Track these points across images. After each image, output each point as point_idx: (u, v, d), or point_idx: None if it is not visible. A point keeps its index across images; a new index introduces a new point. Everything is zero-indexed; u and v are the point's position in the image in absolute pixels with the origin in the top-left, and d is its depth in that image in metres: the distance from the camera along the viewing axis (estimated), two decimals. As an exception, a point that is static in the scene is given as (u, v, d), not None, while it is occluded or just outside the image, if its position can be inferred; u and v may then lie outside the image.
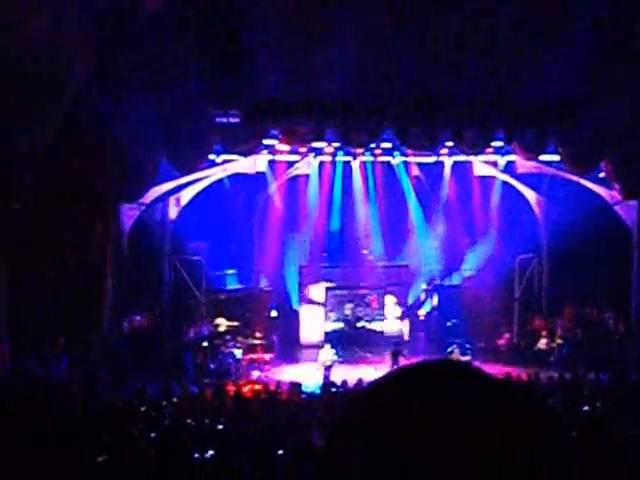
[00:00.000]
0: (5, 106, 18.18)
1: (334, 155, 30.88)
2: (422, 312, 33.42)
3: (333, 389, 21.18)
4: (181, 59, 21.84)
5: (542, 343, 29.09)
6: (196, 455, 11.15)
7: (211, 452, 11.31)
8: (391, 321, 32.48)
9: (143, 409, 16.65)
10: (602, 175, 27.19)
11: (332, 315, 32.11)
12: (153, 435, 12.71)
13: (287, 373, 26.43)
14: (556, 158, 27.52)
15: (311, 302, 32.32)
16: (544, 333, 29.34)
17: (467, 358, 26.02)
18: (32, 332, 22.25)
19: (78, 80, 20.09)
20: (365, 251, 33.12)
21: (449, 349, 26.76)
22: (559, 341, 28.55)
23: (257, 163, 30.30)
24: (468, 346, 27.44)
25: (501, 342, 30.12)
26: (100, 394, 19.81)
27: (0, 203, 19.89)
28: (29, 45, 17.56)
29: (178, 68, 22.17)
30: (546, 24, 21.15)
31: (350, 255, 33.34)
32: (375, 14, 20.36)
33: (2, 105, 18.14)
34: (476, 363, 26.18)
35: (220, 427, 14.56)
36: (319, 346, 27.32)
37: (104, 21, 18.10)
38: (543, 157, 27.86)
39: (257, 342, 28.60)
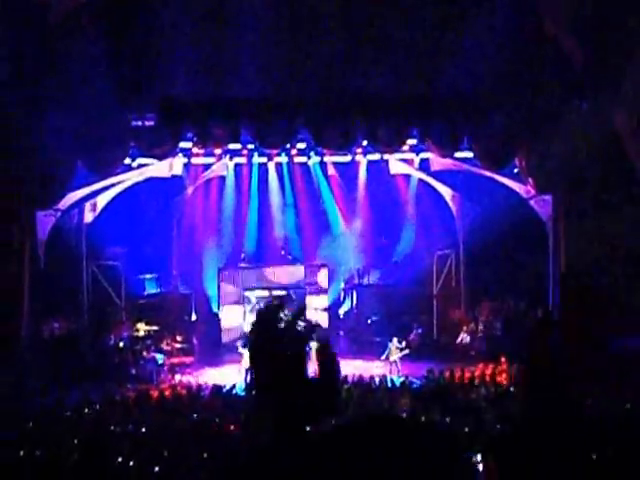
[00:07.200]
0: None
1: (250, 157, 30.74)
2: (342, 311, 33.55)
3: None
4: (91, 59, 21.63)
5: (462, 337, 29.46)
6: (119, 460, 11.04)
7: (133, 457, 11.21)
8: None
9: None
10: (516, 171, 27.47)
11: (253, 316, 31.83)
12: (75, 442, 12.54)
13: (210, 376, 26.28)
14: (470, 155, 27.76)
15: (231, 303, 32.23)
16: (464, 328, 29.71)
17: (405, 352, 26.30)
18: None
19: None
20: (283, 252, 33.11)
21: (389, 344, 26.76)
22: (479, 335, 28.93)
23: (173, 166, 29.96)
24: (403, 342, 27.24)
25: (412, 338, 30.19)
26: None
27: None
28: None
29: (88, 69, 21.95)
30: (459, 21, 21.39)
31: (269, 256, 33.30)
32: (283, 8, 20.42)
33: None
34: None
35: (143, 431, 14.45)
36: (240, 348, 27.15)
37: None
38: (458, 154, 28.02)
39: (178, 346, 28.48)
